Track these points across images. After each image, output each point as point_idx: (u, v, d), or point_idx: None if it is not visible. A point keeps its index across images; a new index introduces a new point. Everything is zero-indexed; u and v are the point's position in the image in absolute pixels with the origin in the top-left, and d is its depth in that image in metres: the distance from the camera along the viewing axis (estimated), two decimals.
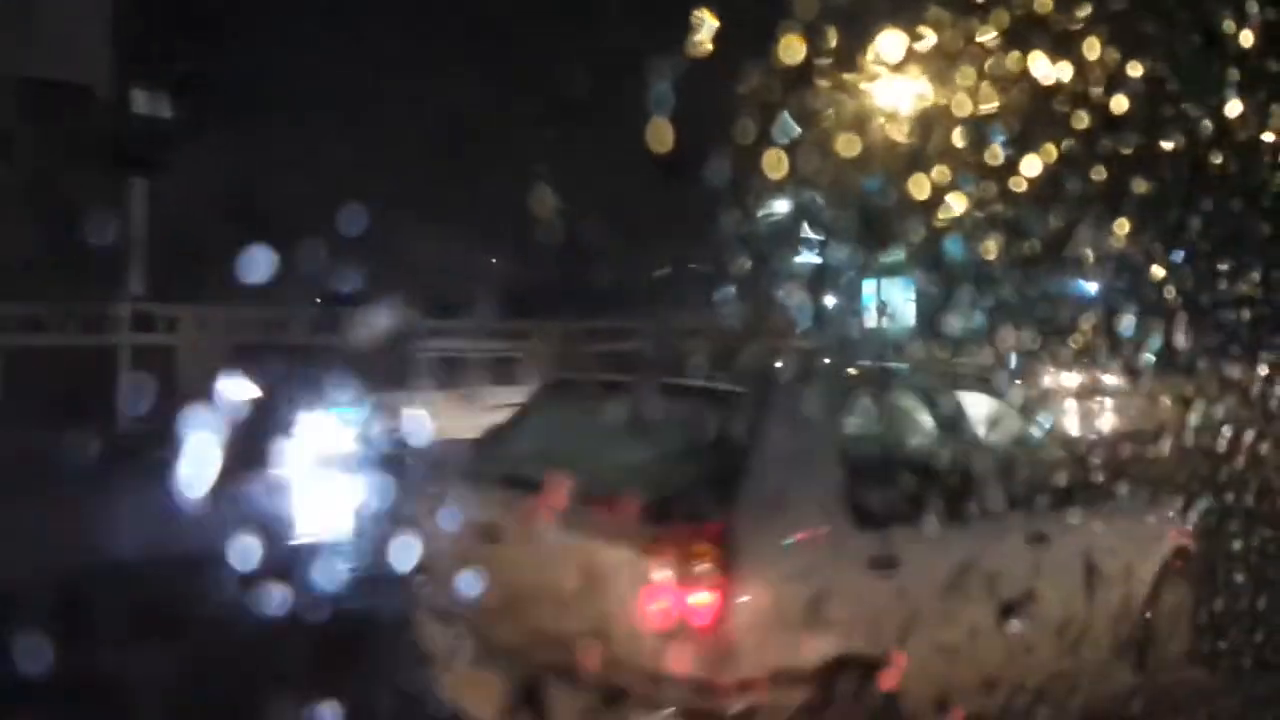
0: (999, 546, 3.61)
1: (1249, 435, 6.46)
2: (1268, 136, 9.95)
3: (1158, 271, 9.63)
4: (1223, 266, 9.70)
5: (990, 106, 9.51)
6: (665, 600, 2.87)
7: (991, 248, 8.92)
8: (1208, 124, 9.77)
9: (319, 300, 16.08)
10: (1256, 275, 9.70)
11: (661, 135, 7.80)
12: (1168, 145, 9.55)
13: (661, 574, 2.89)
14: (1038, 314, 10.07)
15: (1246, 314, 9.58)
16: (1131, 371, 9.45)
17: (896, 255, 15.03)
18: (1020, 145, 9.34)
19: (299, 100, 20.06)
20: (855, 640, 3.08)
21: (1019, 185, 9.46)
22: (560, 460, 3.62)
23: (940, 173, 9.20)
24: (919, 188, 8.91)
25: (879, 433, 3.82)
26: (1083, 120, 9.32)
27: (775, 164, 8.29)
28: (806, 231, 13.35)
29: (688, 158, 8.93)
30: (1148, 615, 4.41)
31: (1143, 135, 9.53)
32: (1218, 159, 9.99)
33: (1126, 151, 9.38)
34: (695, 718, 2.84)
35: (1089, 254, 9.76)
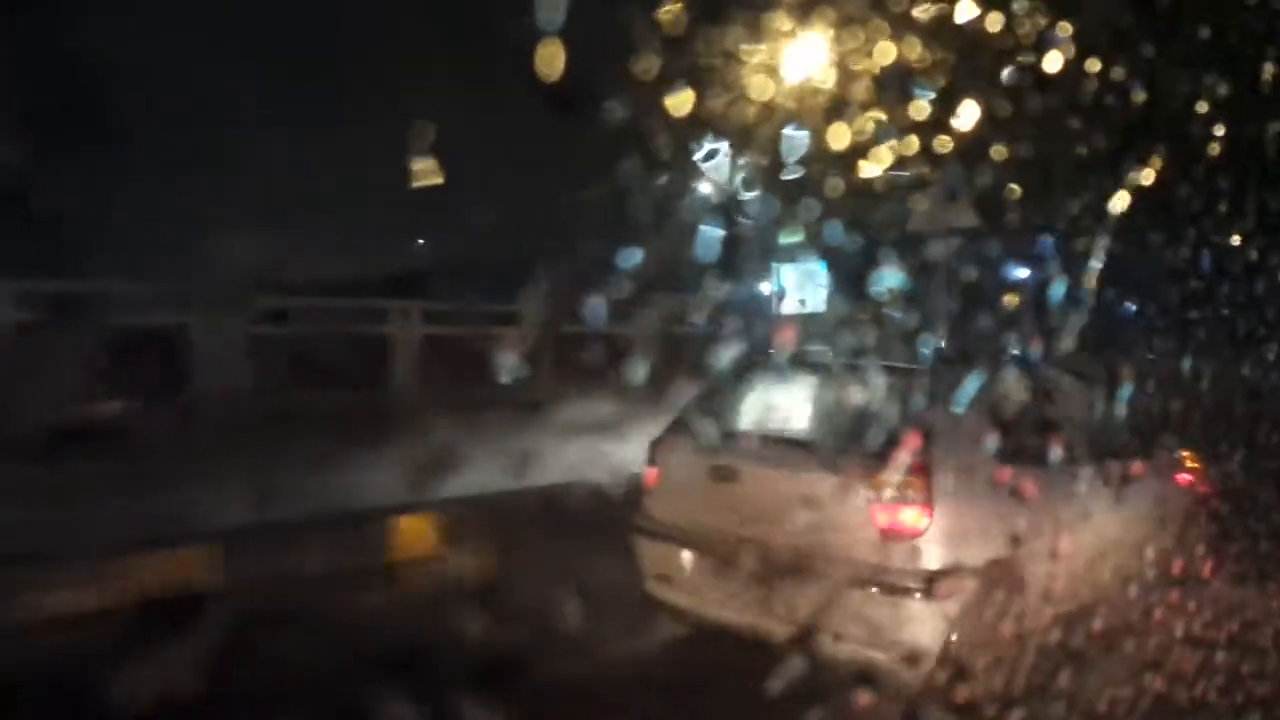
0: (1093, 485, 4.84)
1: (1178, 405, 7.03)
2: (1201, 107, 9.50)
3: (1083, 244, 8.98)
4: (1154, 238, 9.18)
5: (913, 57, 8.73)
6: (885, 515, 4.13)
7: (917, 206, 8.11)
8: (1139, 90, 9.27)
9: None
10: (1187, 251, 9.17)
11: (552, 58, 6.61)
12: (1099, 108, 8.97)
13: (882, 497, 4.13)
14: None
15: (1176, 290, 9.08)
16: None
17: (797, 235, 14.24)
18: (945, 101, 8.57)
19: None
20: (1007, 546, 4.28)
21: (944, 145, 8.74)
22: (779, 418, 4.94)
23: (861, 124, 8.35)
24: (837, 138, 8.03)
25: (1014, 399, 4.85)
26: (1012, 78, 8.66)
27: (680, 104, 7.28)
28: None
29: (581, 92, 7.85)
30: (1180, 544, 5.66)
31: (1071, 97, 8.90)
32: (1149, 126, 9.51)
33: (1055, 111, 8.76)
34: (899, 594, 4.05)
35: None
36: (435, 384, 10.12)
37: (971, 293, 9.77)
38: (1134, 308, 9.90)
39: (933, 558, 4.08)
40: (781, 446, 4.56)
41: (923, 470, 4.14)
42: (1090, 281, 9.24)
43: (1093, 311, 9.19)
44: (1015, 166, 8.84)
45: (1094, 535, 4.79)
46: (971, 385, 4.57)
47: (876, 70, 8.57)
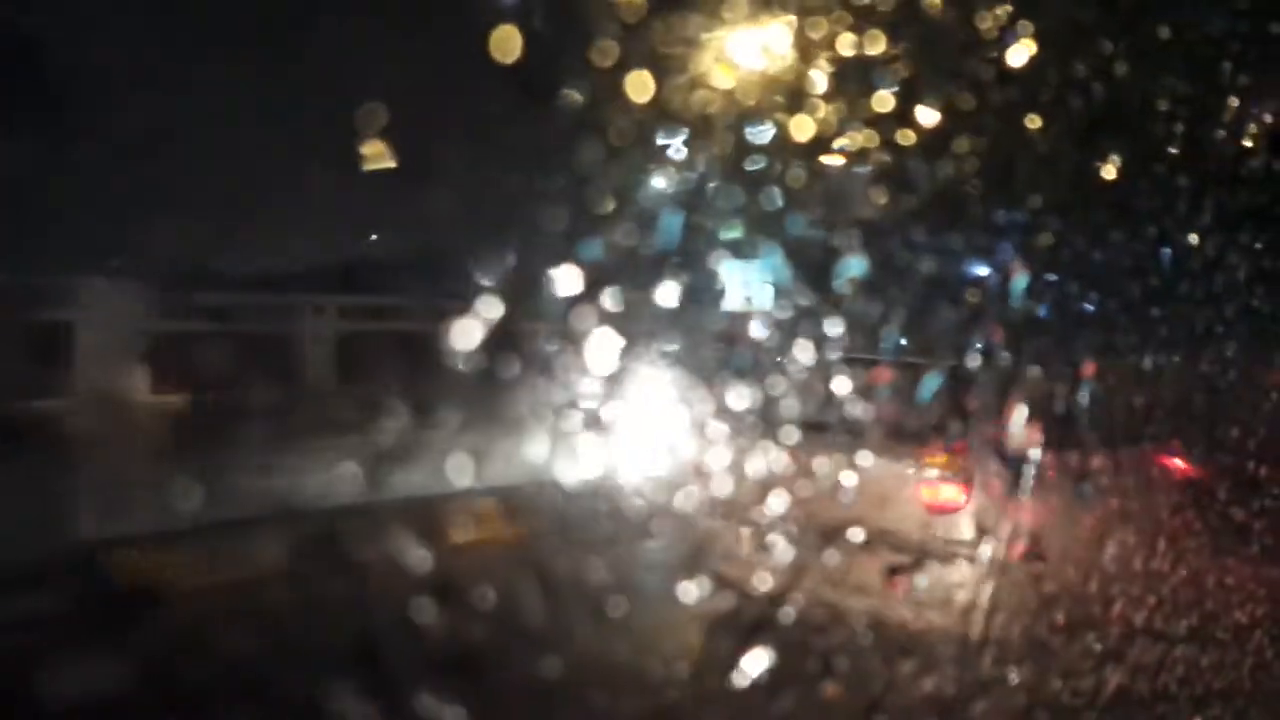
0: (1091, 472, 5.25)
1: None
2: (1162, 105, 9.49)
3: (1045, 239, 8.89)
4: (1115, 236, 9.11)
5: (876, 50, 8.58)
6: (932, 493, 4.75)
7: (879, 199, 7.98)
8: (1099, 87, 9.23)
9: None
10: (1147, 248, 9.12)
11: (508, 42, 6.46)
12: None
13: (930, 477, 4.72)
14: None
15: (1138, 287, 9.01)
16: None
17: (735, 230, 13.94)
18: (905, 93, 8.44)
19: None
20: (1031, 518, 4.77)
21: (905, 138, 8.61)
22: (833, 410, 5.35)
23: (823, 115, 8.19)
24: (800, 129, 7.87)
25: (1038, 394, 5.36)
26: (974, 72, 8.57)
27: (639, 88, 7.07)
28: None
29: (540, 77, 7.65)
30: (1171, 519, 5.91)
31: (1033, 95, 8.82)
32: (1110, 123, 9.48)
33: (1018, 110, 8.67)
34: (948, 559, 4.59)
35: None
36: (350, 385, 9.70)
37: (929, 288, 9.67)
38: (1091, 307, 9.85)
39: (970, 528, 4.78)
40: (837, 436, 5.18)
41: (964, 454, 4.87)
42: (1047, 280, 9.18)
43: (1053, 309, 9.13)
44: (976, 160, 8.74)
45: (1097, 510, 5.43)
46: (995, 379, 5.25)
47: (836, 61, 8.44)
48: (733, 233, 14.20)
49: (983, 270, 10.00)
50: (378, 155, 8.03)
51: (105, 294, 8.72)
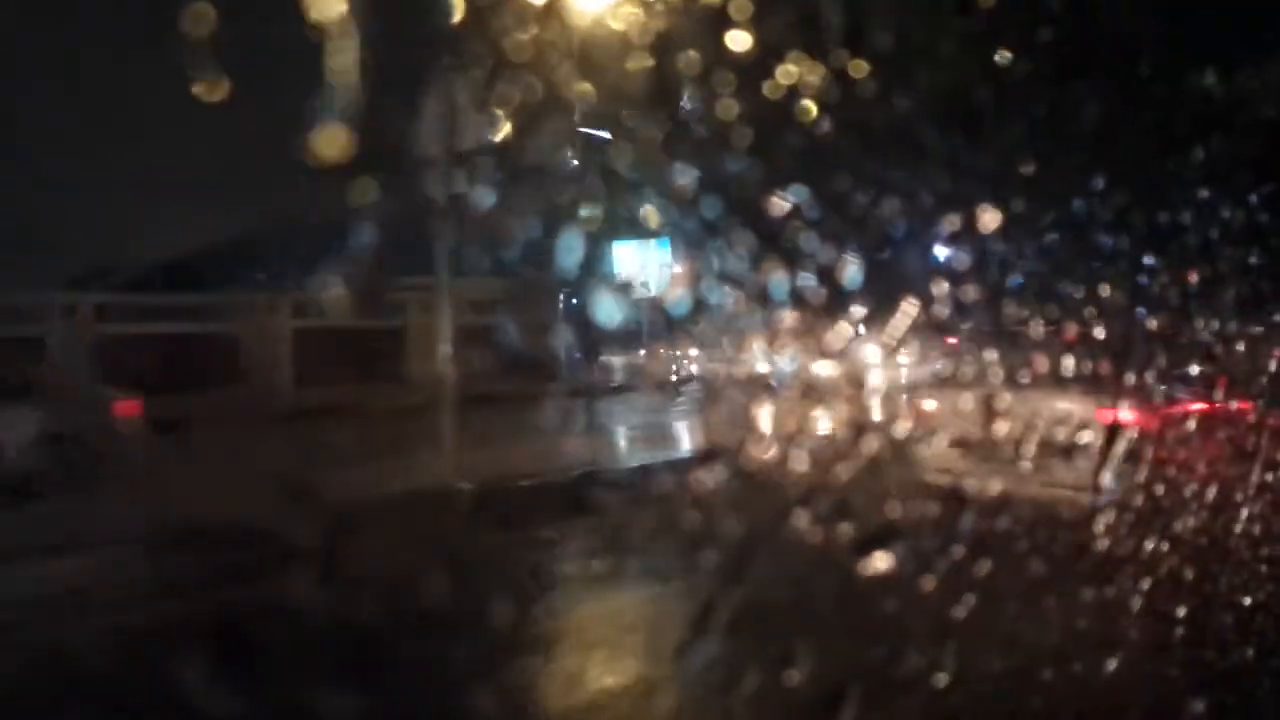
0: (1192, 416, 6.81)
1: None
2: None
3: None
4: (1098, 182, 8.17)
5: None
6: (1110, 414, 6.37)
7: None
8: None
9: None
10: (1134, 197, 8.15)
11: None
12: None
13: (1103, 404, 6.49)
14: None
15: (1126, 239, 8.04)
16: None
17: (595, 209, 12.80)
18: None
19: None
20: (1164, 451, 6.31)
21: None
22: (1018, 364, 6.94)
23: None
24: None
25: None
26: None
27: None
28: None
29: None
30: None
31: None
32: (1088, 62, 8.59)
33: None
34: (1124, 460, 6.01)
35: None
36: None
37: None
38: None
39: (1128, 438, 6.08)
40: (1026, 381, 6.64)
41: (1123, 389, 6.31)
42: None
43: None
44: (938, 98, 7.77)
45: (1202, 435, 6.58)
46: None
47: None
48: (592, 210, 12.91)
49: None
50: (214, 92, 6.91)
51: None
